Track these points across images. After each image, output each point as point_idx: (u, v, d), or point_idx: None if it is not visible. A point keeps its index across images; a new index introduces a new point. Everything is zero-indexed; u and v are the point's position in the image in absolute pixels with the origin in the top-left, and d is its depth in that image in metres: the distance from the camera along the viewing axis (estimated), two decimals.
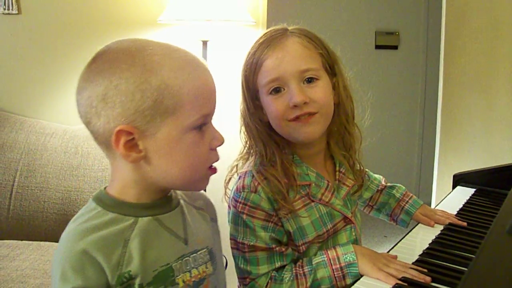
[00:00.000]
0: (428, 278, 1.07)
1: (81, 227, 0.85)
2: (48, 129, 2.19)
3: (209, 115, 0.89)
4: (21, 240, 1.94)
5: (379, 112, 3.64)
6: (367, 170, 1.51)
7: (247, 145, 1.27)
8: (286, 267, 1.20)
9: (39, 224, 2.02)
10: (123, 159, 0.85)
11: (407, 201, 1.50)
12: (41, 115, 2.31)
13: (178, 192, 1.00)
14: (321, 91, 1.18)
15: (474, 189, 1.76)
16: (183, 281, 0.89)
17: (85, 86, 0.85)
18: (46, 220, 2.02)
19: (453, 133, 2.82)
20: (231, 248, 1.22)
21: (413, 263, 1.15)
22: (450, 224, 1.42)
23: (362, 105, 1.33)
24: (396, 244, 1.31)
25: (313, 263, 1.17)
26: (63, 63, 2.33)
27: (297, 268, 1.18)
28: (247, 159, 1.27)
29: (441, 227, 1.40)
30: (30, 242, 1.92)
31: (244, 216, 1.18)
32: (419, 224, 1.45)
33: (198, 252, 0.94)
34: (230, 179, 1.29)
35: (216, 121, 0.94)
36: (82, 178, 2.05)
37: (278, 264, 1.19)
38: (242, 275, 1.21)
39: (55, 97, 2.35)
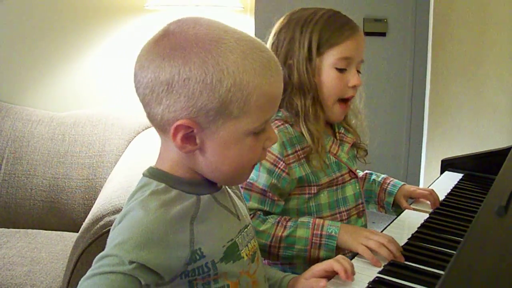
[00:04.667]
0: (402, 258, 1.11)
1: (153, 202, 0.81)
2: (35, 116, 2.17)
3: (270, 118, 0.87)
4: (8, 228, 1.93)
5: (367, 99, 3.64)
6: None
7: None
8: (273, 215, 1.25)
9: (26, 211, 2.00)
10: (177, 149, 0.83)
11: (389, 183, 1.53)
12: (27, 102, 2.29)
13: None
14: None
15: (462, 174, 1.77)
16: (246, 255, 0.90)
17: (148, 66, 0.81)
18: (33, 207, 2.00)
19: (441, 119, 2.84)
20: None
21: (402, 247, 1.16)
22: (437, 208, 1.43)
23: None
24: (385, 228, 1.31)
25: (298, 221, 1.22)
26: (48, 49, 2.30)
27: (282, 219, 1.23)
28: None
29: (429, 211, 1.41)
30: (17, 229, 1.91)
31: None
32: (406, 210, 1.46)
33: (248, 227, 0.95)
34: None
35: None
36: (69, 165, 2.04)
37: (266, 208, 1.24)
38: None
39: (41, 83, 2.32)
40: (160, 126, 0.84)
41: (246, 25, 2.43)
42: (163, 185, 0.85)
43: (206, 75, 0.78)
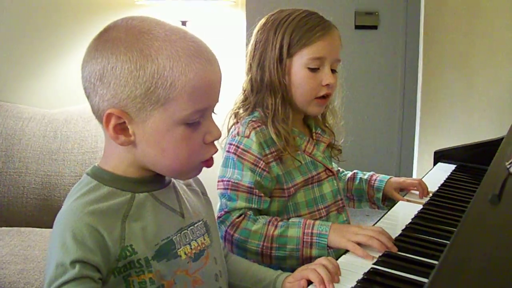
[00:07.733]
0: (395, 248, 1.11)
1: (80, 201, 0.84)
2: (26, 113, 2.15)
3: (205, 110, 0.87)
4: (0, 226, 1.91)
5: (359, 92, 3.65)
6: (339, 168, 1.60)
7: (253, 97, 1.33)
8: (264, 215, 1.26)
9: (18, 209, 1.99)
10: (112, 140, 0.85)
11: (375, 179, 1.55)
12: (18, 99, 2.27)
13: None
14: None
15: (455, 165, 1.77)
16: (185, 253, 0.91)
17: (88, 61, 0.85)
18: (26, 205, 1.99)
19: (433, 111, 2.85)
20: (217, 189, 1.29)
21: (396, 238, 1.16)
22: (431, 199, 1.44)
23: (341, 84, 1.40)
24: (379, 220, 1.32)
25: (290, 221, 1.24)
26: (39, 46, 2.29)
27: (273, 219, 1.24)
28: (247, 109, 1.35)
29: (423, 202, 1.42)
30: (10, 228, 1.89)
31: (235, 157, 1.26)
32: (400, 201, 1.46)
33: (195, 225, 0.95)
34: (233, 125, 1.36)
35: None
36: (61, 162, 2.02)
37: (254, 206, 1.26)
38: (220, 210, 1.27)
39: (32, 80, 2.31)
40: (99, 118, 0.87)
41: (237, 19, 2.42)
42: (95, 182, 0.87)
43: (130, 62, 0.81)
